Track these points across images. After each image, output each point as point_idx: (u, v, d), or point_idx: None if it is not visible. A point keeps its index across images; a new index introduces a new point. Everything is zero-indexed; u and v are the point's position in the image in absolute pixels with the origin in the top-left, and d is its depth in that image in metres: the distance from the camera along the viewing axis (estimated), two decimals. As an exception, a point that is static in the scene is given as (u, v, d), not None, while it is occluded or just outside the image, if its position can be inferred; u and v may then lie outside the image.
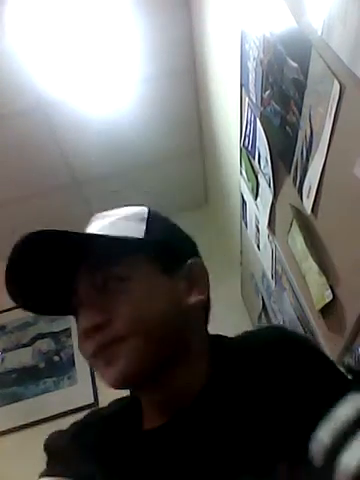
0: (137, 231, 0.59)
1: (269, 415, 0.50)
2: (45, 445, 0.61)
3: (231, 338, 0.63)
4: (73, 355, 2.54)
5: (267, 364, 0.54)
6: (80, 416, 2.23)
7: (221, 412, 0.52)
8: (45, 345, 2.59)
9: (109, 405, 0.65)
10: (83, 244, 0.54)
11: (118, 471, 0.53)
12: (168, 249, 0.60)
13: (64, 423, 2.20)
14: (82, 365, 2.51)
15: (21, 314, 2.61)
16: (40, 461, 2.27)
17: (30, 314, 2.22)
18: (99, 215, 0.64)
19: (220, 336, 0.63)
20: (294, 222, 1.27)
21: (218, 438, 0.50)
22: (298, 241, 1.28)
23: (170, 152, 2.53)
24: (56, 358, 2.55)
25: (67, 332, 2.58)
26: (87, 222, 0.64)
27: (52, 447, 0.60)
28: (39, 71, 1.96)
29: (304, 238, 1.23)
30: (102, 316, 0.53)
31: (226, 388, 0.54)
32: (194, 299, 0.59)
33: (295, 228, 1.27)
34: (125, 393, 0.58)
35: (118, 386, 0.52)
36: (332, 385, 0.51)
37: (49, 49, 1.88)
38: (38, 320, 2.62)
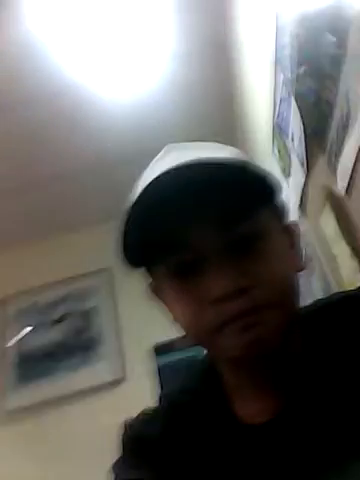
0: (260, 171, 0.49)
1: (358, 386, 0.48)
2: (130, 437, 0.53)
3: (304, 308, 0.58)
4: (101, 333, 2.58)
5: (347, 328, 0.52)
6: (109, 391, 2.26)
7: (321, 389, 0.49)
8: (74, 323, 2.64)
9: (186, 378, 0.58)
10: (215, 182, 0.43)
11: (216, 467, 0.48)
12: (284, 203, 0.53)
13: (91, 400, 2.23)
14: (110, 341, 2.54)
15: (51, 292, 2.66)
16: (71, 438, 2.32)
17: (60, 292, 2.27)
18: (192, 147, 0.52)
19: None
20: (327, 204, 1.24)
21: (323, 427, 0.47)
22: (330, 223, 1.25)
23: (200, 133, 2.49)
24: (84, 335, 2.60)
25: (95, 310, 2.62)
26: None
27: (139, 440, 0.52)
28: (65, 53, 1.95)
29: (337, 220, 1.20)
30: (246, 280, 0.45)
31: (319, 360, 0.50)
32: (301, 264, 0.54)
33: (327, 210, 1.24)
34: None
35: (249, 354, 0.45)
36: None
37: (76, 30, 1.87)
38: (67, 298, 2.66)
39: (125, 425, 0.55)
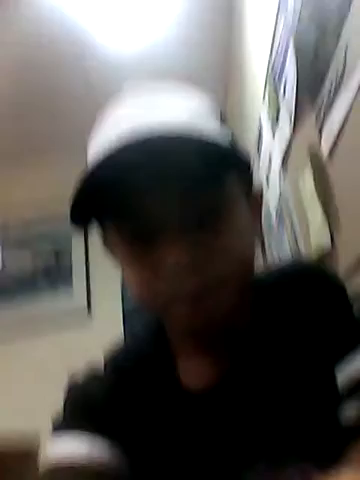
0: (224, 136, 0.46)
1: (302, 358, 0.49)
2: (73, 396, 0.52)
3: (261, 274, 0.58)
4: (71, 261, 2.57)
5: (299, 302, 0.52)
6: (74, 329, 2.28)
7: (265, 358, 0.50)
8: (45, 248, 2.61)
9: (134, 340, 0.58)
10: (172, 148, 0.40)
11: (158, 433, 0.49)
12: (250, 168, 0.51)
13: (58, 333, 2.24)
14: (79, 279, 2.55)
15: (23, 212, 2.61)
16: (35, 366, 2.36)
17: (32, 214, 2.22)
18: (154, 90, 0.48)
19: None
20: (308, 164, 1.22)
21: (265, 388, 0.49)
22: (308, 184, 1.23)
23: (193, 76, 2.41)
24: (54, 272, 2.58)
25: (67, 237, 2.59)
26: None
27: (82, 399, 0.51)
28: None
29: (315, 182, 1.19)
30: (201, 255, 0.43)
31: (266, 329, 0.51)
32: (259, 237, 0.53)
33: (308, 171, 1.22)
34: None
35: (197, 326, 0.45)
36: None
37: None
38: (39, 222, 2.62)
39: (70, 385, 0.54)
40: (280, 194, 1.61)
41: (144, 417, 0.50)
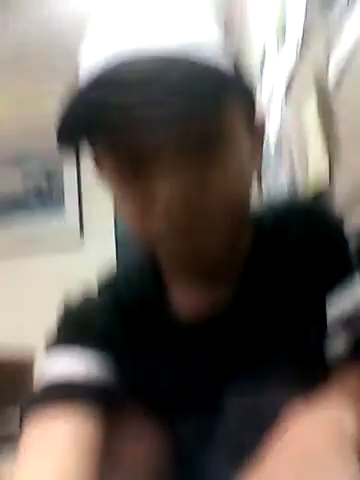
0: (227, 54, 0.42)
1: (299, 293, 0.50)
2: (69, 315, 0.53)
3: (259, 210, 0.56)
4: (63, 183, 2.51)
5: (296, 239, 0.51)
6: (65, 253, 2.29)
7: (260, 293, 0.50)
8: (34, 167, 2.53)
9: (127, 268, 0.57)
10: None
11: (150, 356, 0.50)
12: (252, 93, 0.48)
13: (50, 256, 2.25)
14: (71, 202, 2.50)
15: (12, 127, 2.50)
16: (25, 290, 2.39)
17: (24, 146, 2.13)
18: None
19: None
20: (313, 94, 1.14)
21: (258, 321, 0.49)
22: (311, 116, 1.16)
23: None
24: (46, 193, 2.52)
25: (58, 158, 2.51)
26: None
27: (79, 318, 0.52)
28: None
29: (319, 115, 1.12)
30: (198, 191, 0.41)
31: (263, 266, 0.50)
32: (258, 169, 0.51)
33: (312, 100, 1.15)
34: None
35: (193, 263, 0.44)
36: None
37: None
38: (28, 139, 2.52)
39: (65, 305, 0.54)
40: (280, 125, 1.54)
41: (137, 342, 0.50)
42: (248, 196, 0.47)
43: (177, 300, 0.51)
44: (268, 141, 1.77)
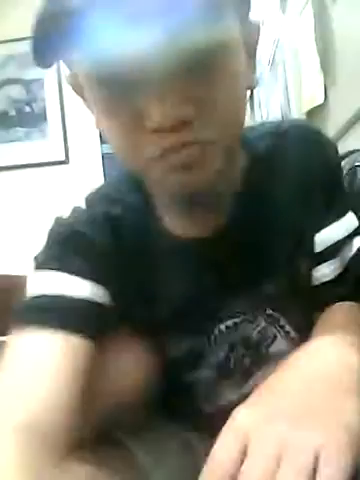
0: None
1: (291, 220, 0.50)
2: (59, 232, 0.50)
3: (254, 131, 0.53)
4: (45, 108, 2.43)
5: (290, 164, 0.50)
6: (50, 170, 2.29)
7: (253, 218, 0.49)
8: (15, 92, 2.44)
9: (116, 187, 0.53)
10: None
11: (142, 271, 0.49)
12: (250, 3, 0.43)
13: (33, 174, 2.25)
14: (54, 121, 2.42)
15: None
16: (7, 202, 2.35)
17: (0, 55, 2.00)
18: None
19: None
20: (310, 4, 1.08)
21: (249, 244, 0.49)
22: (308, 27, 1.12)
23: None
24: (27, 109, 2.43)
25: (39, 83, 2.40)
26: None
27: (74, 236, 0.49)
28: None
29: (315, 26, 1.07)
30: (190, 109, 0.37)
31: (257, 191, 0.49)
32: (251, 83, 0.45)
33: (309, 11, 1.09)
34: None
35: (185, 191, 0.42)
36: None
37: None
38: (8, 63, 2.40)
39: (57, 220, 0.52)
40: (275, 39, 1.47)
41: (130, 258, 0.49)
42: (242, 116, 0.43)
43: (167, 221, 0.50)
44: (261, 55, 1.71)
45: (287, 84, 1.39)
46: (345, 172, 0.54)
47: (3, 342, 0.46)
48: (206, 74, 0.37)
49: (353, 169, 0.60)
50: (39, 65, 0.39)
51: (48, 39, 0.36)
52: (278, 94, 1.51)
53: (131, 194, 0.51)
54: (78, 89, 0.44)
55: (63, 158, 2.41)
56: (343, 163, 0.65)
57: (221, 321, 0.51)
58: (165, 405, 0.53)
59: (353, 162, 0.61)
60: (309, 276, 0.51)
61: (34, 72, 2.40)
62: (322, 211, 0.50)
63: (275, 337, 0.53)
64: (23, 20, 2.47)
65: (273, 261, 0.50)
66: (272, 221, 0.49)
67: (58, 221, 0.51)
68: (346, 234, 0.50)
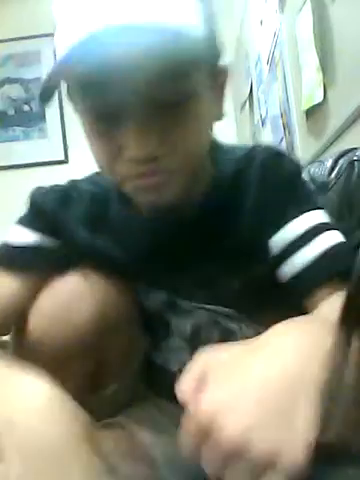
0: (195, 14, 0.46)
1: (243, 228, 0.56)
2: (33, 199, 0.62)
3: (225, 150, 0.61)
4: (44, 108, 2.43)
5: (252, 183, 0.57)
6: (49, 169, 2.31)
7: (213, 216, 0.57)
8: (14, 91, 2.44)
9: (97, 178, 0.63)
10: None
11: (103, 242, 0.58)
12: (216, 48, 0.51)
13: (32, 173, 2.26)
14: (53, 120, 2.43)
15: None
16: (6, 202, 2.38)
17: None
18: None
19: (216, 142, 0.60)
20: (308, 3, 1.08)
21: (206, 232, 0.57)
22: (306, 25, 1.11)
23: None
24: (26, 108, 2.44)
25: (38, 82, 2.40)
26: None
27: (39, 202, 0.61)
28: None
29: (314, 24, 1.07)
30: (162, 149, 0.47)
31: (220, 197, 0.57)
32: (219, 116, 0.55)
33: (307, 10, 1.09)
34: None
35: (161, 207, 0.52)
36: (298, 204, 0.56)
37: None
38: (7, 62, 2.41)
39: (33, 190, 0.63)
40: (274, 37, 1.47)
41: (93, 225, 0.58)
42: (204, 147, 0.52)
43: (136, 205, 0.58)
44: (260, 55, 1.70)
45: (286, 83, 1.39)
46: (343, 168, 0.54)
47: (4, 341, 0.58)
48: (174, 119, 0.46)
49: (351, 163, 0.60)
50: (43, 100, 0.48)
51: (54, 88, 0.46)
52: (277, 93, 1.51)
53: (106, 180, 0.60)
54: (73, 102, 0.52)
55: (62, 157, 2.41)
56: (341, 161, 0.66)
57: (179, 294, 0.59)
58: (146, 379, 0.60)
59: (350, 158, 0.61)
60: (269, 276, 0.55)
61: (33, 71, 2.40)
62: (276, 219, 0.54)
63: (233, 332, 0.58)
64: (22, 20, 2.51)
65: (228, 260, 0.56)
66: (229, 226, 0.57)
67: (36, 189, 0.63)
68: (303, 231, 0.53)
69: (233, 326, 0.59)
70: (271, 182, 0.56)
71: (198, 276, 0.57)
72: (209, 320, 0.59)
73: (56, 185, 0.63)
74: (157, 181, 0.49)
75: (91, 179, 0.63)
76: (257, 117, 1.91)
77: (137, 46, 0.41)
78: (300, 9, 1.15)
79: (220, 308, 0.58)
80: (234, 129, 2.37)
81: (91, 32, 0.41)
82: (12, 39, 2.38)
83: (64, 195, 0.61)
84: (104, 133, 0.48)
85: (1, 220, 2.25)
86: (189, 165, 0.50)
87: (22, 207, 0.63)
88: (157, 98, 0.45)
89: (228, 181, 0.57)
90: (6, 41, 2.39)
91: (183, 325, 0.60)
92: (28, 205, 0.62)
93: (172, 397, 0.37)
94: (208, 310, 0.58)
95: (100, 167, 0.52)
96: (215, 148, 0.58)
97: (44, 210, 0.60)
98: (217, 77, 0.52)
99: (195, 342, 0.59)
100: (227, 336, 0.58)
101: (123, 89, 0.44)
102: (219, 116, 0.54)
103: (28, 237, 0.59)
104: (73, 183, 0.63)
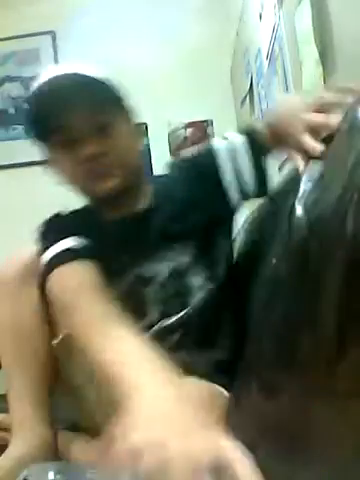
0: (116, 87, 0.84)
1: (185, 209, 0.83)
2: (53, 222, 0.87)
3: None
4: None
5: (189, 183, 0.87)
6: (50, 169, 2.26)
7: (157, 212, 0.85)
8: (14, 90, 2.44)
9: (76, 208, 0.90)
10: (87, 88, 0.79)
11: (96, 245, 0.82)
12: (130, 109, 0.86)
13: (33, 172, 2.25)
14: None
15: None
16: (8, 200, 2.37)
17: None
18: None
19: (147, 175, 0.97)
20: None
21: (158, 224, 0.83)
22: (305, 19, 1.11)
23: None
24: (26, 106, 2.44)
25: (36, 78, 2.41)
26: None
27: (57, 223, 0.87)
28: None
29: (313, 17, 1.07)
30: (103, 148, 0.78)
31: (162, 193, 0.88)
32: (138, 153, 0.91)
33: (306, 2, 1.09)
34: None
35: (109, 192, 0.80)
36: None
37: None
38: (6, 61, 2.41)
39: (46, 219, 0.88)
40: (273, 32, 1.46)
41: (87, 230, 0.83)
42: (135, 157, 0.86)
43: (104, 212, 0.86)
44: (260, 49, 1.70)
45: (286, 77, 1.39)
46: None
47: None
48: (105, 132, 0.79)
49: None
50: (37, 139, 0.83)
51: (38, 125, 0.81)
52: (277, 87, 1.51)
53: (85, 206, 0.90)
54: (51, 164, 0.84)
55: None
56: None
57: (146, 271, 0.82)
58: None
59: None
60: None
61: (32, 69, 2.40)
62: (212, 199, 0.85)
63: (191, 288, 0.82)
64: (22, 18, 2.51)
65: (173, 234, 0.82)
66: (178, 199, 0.85)
67: (46, 219, 0.89)
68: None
69: (190, 281, 0.81)
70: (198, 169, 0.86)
71: (158, 254, 0.82)
72: (170, 276, 0.81)
73: (59, 214, 0.89)
74: (103, 171, 0.78)
75: (75, 210, 0.89)
76: (258, 112, 1.91)
77: (80, 87, 0.78)
78: (299, 3, 1.14)
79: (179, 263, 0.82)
80: (235, 124, 2.36)
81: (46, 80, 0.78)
82: (11, 37, 2.37)
83: (65, 218, 0.88)
84: (67, 153, 0.78)
85: (3, 218, 2.28)
86: (122, 162, 0.80)
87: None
88: (95, 121, 0.77)
89: (159, 191, 0.87)
90: (5, 40, 2.39)
91: (153, 288, 0.81)
92: (49, 229, 0.86)
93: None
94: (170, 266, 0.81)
95: (70, 181, 0.82)
96: (148, 177, 0.92)
97: (61, 226, 0.86)
98: (133, 126, 0.86)
99: (166, 299, 0.81)
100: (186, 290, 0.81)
101: (75, 119, 0.77)
102: (140, 147, 0.95)
103: (65, 243, 0.80)
104: (66, 213, 0.90)
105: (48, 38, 2.40)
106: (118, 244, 0.81)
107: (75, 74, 0.79)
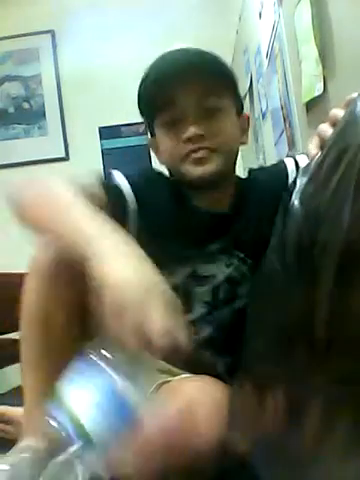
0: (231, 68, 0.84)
1: (264, 220, 0.78)
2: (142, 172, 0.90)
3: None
4: (44, 105, 2.43)
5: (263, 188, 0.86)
6: (50, 166, 2.30)
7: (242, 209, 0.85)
8: (14, 89, 2.44)
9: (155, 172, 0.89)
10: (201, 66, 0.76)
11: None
12: (240, 96, 0.87)
13: (33, 171, 2.26)
14: (53, 117, 2.42)
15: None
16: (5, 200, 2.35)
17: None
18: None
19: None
20: (307, -7, 1.08)
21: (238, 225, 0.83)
22: (305, 17, 1.11)
23: None
24: (26, 105, 2.43)
25: (37, 79, 2.40)
26: None
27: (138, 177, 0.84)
28: None
29: (313, 16, 1.06)
30: (209, 131, 0.76)
31: (243, 199, 0.86)
32: (243, 141, 0.86)
33: (306, 1, 1.09)
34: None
35: (203, 177, 0.77)
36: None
37: None
38: (5, 60, 2.40)
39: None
40: (273, 30, 1.46)
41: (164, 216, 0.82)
42: (234, 142, 0.82)
43: (193, 199, 0.84)
44: (260, 47, 1.70)
45: (286, 75, 1.39)
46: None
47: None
48: (213, 115, 0.77)
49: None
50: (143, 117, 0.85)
51: (148, 104, 0.81)
52: (277, 86, 1.50)
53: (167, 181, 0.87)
54: (154, 146, 0.85)
55: (63, 154, 2.41)
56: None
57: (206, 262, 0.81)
58: None
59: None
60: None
61: (32, 68, 2.40)
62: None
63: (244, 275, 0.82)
64: (21, 17, 2.51)
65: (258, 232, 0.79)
66: (254, 211, 0.84)
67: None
68: None
69: (241, 291, 0.81)
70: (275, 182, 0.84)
71: (222, 257, 0.81)
72: (223, 280, 0.80)
73: (161, 174, 0.86)
74: (203, 155, 0.77)
75: (171, 181, 0.86)
76: (257, 111, 1.91)
77: (193, 64, 0.75)
78: (299, 1, 1.14)
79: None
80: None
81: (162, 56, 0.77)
82: (11, 37, 2.37)
83: (162, 180, 0.85)
84: (170, 131, 0.78)
85: (2, 218, 2.27)
86: (223, 149, 0.78)
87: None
88: (204, 103, 0.77)
89: (241, 194, 0.85)
90: (4, 39, 2.39)
91: (204, 289, 0.81)
92: (143, 175, 0.87)
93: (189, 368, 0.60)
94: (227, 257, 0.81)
95: (168, 159, 0.81)
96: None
97: (155, 184, 0.84)
98: (240, 115, 0.84)
99: (214, 303, 0.80)
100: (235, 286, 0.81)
101: (184, 98, 0.76)
102: (245, 141, 0.86)
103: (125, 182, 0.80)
104: (166, 176, 0.86)
105: (48, 37, 2.40)
106: (192, 233, 0.81)
107: (194, 52, 0.77)
